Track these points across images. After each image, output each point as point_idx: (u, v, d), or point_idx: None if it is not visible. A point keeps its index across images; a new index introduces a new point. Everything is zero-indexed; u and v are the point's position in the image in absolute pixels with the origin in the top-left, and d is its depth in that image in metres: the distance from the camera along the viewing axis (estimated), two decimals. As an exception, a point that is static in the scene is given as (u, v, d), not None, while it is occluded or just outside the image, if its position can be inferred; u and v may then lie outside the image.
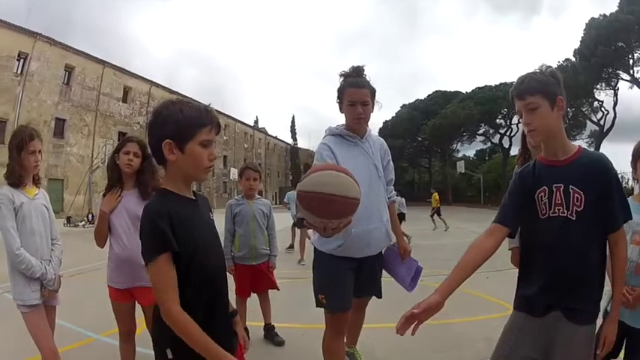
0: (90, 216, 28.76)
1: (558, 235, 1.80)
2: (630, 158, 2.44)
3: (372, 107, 2.84)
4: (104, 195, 3.06)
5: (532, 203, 1.88)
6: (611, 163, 1.83)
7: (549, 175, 1.86)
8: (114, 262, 2.98)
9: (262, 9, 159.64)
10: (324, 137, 2.87)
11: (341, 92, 2.79)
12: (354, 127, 2.83)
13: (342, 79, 2.80)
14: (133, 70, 42.41)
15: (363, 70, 2.79)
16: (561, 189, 1.82)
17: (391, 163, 3.06)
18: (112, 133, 38.69)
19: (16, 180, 2.76)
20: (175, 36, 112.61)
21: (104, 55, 41.10)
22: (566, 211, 1.80)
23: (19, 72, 30.42)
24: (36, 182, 2.93)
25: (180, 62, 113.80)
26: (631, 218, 1.87)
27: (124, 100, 41.08)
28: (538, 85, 1.80)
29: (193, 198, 1.62)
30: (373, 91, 2.79)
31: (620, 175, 2.99)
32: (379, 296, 3.05)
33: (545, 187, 1.86)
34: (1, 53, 28.80)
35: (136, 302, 3.02)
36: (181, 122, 1.48)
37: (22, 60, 30.62)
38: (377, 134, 3.21)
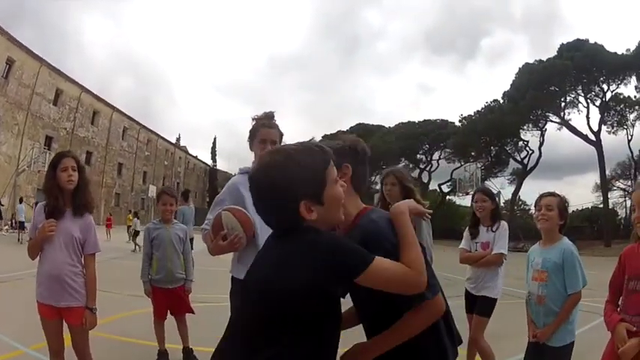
0: (13, 221, 26.05)
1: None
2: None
3: None
4: (46, 214, 2.92)
5: None
6: (382, 238, 1.52)
7: None
8: (43, 278, 2.92)
9: (194, 21, 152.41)
10: (235, 176, 3.10)
11: (254, 132, 2.97)
12: None
13: (254, 122, 3.02)
14: (66, 71, 40.51)
15: (274, 116, 3.06)
16: None
17: None
18: (39, 135, 36.28)
19: None
20: (110, 38, 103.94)
21: (40, 49, 38.07)
22: None
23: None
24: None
25: (112, 66, 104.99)
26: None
27: (55, 103, 38.92)
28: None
29: None
30: (281, 134, 3.03)
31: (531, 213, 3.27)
32: None
33: None
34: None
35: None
36: (309, 177, 1.34)
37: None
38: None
